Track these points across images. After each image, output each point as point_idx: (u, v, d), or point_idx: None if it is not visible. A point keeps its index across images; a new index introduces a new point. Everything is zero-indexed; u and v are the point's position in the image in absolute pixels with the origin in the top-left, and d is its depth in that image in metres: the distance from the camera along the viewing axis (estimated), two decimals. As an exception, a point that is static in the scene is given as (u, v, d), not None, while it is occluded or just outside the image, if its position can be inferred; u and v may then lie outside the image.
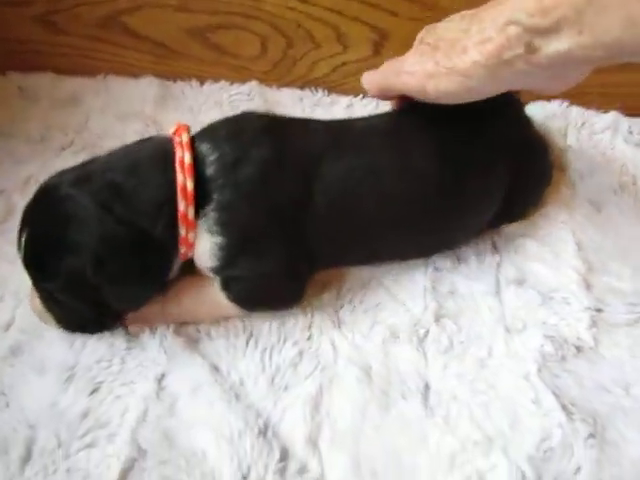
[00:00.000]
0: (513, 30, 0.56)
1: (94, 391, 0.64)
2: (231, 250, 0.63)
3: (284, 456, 0.59)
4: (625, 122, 0.91)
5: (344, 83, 0.97)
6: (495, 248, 0.77)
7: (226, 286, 0.66)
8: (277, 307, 0.69)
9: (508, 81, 0.60)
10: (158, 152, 0.64)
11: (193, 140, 0.65)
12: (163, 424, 0.62)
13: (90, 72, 1.02)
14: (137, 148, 0.66)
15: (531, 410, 0.61)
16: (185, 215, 0.62)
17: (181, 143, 0.64)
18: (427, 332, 0.68)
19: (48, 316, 0.66)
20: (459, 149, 0.68)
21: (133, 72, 1.01)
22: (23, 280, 0.73)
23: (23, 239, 0.62)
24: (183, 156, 0.62)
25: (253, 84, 0.99)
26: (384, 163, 0.67)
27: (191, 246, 0.64)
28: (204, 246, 0.64)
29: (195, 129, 0.90)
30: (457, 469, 0.58)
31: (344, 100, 0.98)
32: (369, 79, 0.72)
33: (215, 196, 0.62)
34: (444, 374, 0.65)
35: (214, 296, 0.67)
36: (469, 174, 0.68)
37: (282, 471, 0.58)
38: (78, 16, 0.97)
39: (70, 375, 0.66)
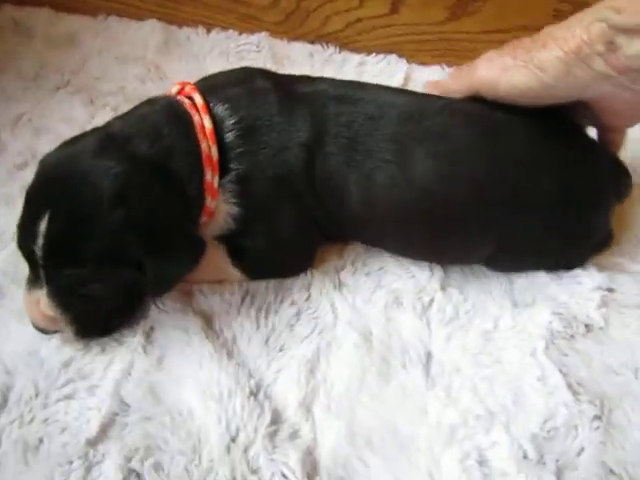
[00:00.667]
0: (597, 27, 0.56)
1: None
2: (247, 220, 0.61)
3: (275, 420, 0.56)
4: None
5: (357, 40, 0.93)
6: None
7: (237, 254, 0.63)
8: (284, 275, 0.66)
9: (583, 84, 0.59)
10: (175, 116, 0.59)
11: (207, 100, 0.61)
12: (149, 379, 0.59)
13: (90, 11, 0.98)
14: (151, 112, 0.60)
15: (536, 387, 0.58)
16: (211, 184, 0.59)
17: (196, 106, 0.60)
18: (432, 300, 0.65)
19: (61, 320, 0.58)
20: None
21: (136, 14, 0.97)
22: (7, 223, 0.70)
23: (43, 224, 0.55)
24: (202, 121, 0.59)
25: (262, 35, 0.95)
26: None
27: (212, 214, 0.61)
28: (220, 215, 0.61)
29: (199, 77, 0.86)
30: (456, 444, 0.55)
31: (356, 58, 0.94)
32: (435, 85, 0.69)
33: (233, 165, 0.59)
34: (448, 345, 0.62)
35: (217, 261, 0.64)
36: None
37: (272, 435, 0.55)
38: (80, -50, 0.92)
39: (52, 322, 0.63)
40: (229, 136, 0.59)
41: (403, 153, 0.60)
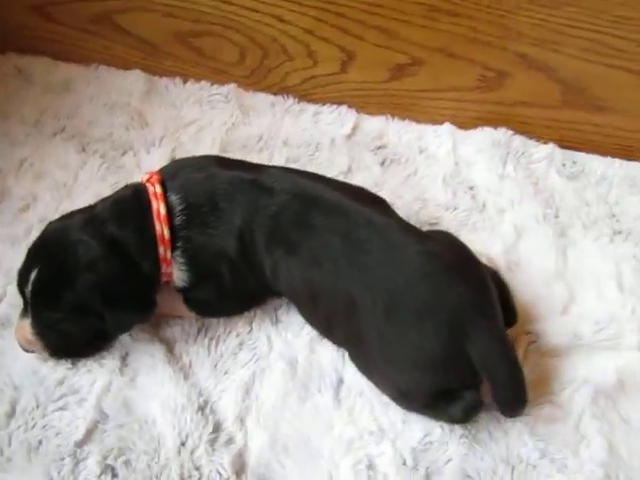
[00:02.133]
0: None
1: (70, 364, 0.82)
2: (195, 281, 0.81)
3: (216, 429, 0.77)
4: (560, 155, 1.05)
5: (313, 93, 1.11)
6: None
7: (187, 302, 0.84)
8: (227, 316, 0.87)
9: None
10: (139, 203, 0.79)
11: (165, 189, 0.80)
12: (123, 394, 0.80)
13: (83, 61, 1.16)
14: (123, 198, 0.81)
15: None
16: (165, 257, 0.79)
17: (155, 194, 0.79)
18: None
19: (37, 344, 0.79)
20: None
21: (123, 64, 1.15)
22: (15, 260, 0.91)
23: (33, 275, 0.77)
24: (159, 207, 0.78)
25: (231, 87, 1.13)
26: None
27: (170, 276, 0.81)
28: (176, 276, 0.81)
29: (176, 123, 1.06)
30: (352, 452, 0.75)
31: (312, 108, 1.12)
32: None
33: (180, 244, 0.79)
34: (357, 374, 0.81)
35: (177, 305, 0.85)
36: None
37: (213, 441, 0.76)
38: (73, 10, 1.10)
39: (50, 348, 0.84)
40: (178, 220, 0.78)
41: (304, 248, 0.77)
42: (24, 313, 0.80)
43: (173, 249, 0.79)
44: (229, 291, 0.83)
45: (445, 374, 0.72)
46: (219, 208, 0.78)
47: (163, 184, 0.80)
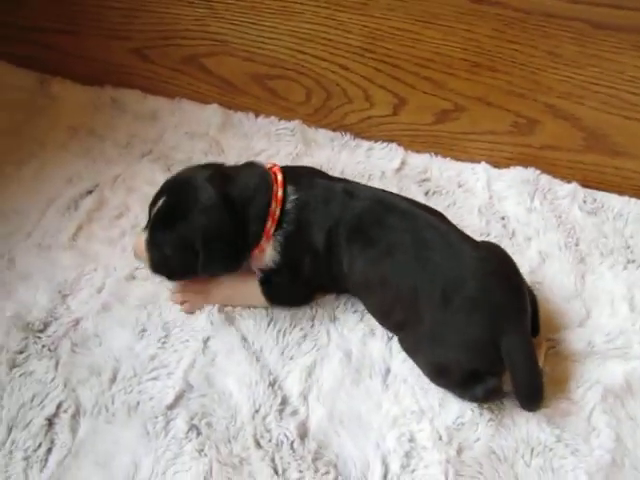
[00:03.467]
0: None
1: (161, 343, 1.02)
2: (280, 265, 1.02)
3: (284, 402, 0.96)
4: (582, 193, 1.25)
5: (367, 131, 1.33)
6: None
7: (266, 285, 1.04)
8: (292, 306, 1.07)
9: None
10: (263, 181, 1.00)
11: (285, 179, 1.01)
12: (205, 370, 0.99)
13: (169, 94, 1.40)
14: (251, 171, 1.03)
15: (456, 397, 0.97)
16: (269, 231, 1.00)
17: (277, 179, 1.00)
18: (394, 335, 1.04)
19: (145, 257, 1.01)
20: None
21: (203, 99, 1.39)
22: (111, 258, 1.12)
23: (160, 202, 0.99)
24: (277, 190, 1.00)
25: (296, 123, 1.36)
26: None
27: (262, 251, 1.01)
28: (267, 255, 1.02)
29: (248, 152, 1.29)
30: (397, 427, 0.94)
31: (366, 144, 1.34)
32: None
33: (285, 226, 1.00)
34: (402, 365, 1.00)
35: (250, 289, 1.04)
36: None
37: (281, 411, 0.95)
38: (166, 53, 1.35)
39: (141, 330, 1.04)
40: (289, 207, 0.99)
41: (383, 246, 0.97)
42: (144, 229, 1.02)
43: (276, 229, 0.99)
44: (304, 281, 1.03)
45: (479, 357, 0.91)
46: (317, 208, 0.99)
47: (284, 175, 1.01)
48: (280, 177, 1.01)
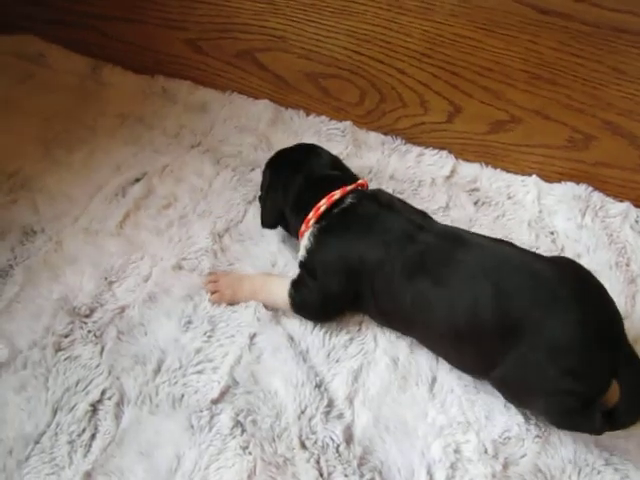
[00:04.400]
0: None
1: (206, 337, 1.01)
2: (309, 259, 1.03)
3: (330, 404, 0.95)
4: (634, 212, 1.22)
5: (419, 137, 1.32)
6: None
7: (294, 287, 1.03)
8: (310, 318, 1.04)
9: None
10: (331, 181, 1.06)
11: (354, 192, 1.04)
12: (251, 367, 0.98)
13: (220, 87, 1.40)
14: (330, 174, 1.09)
15: (502, 410, 0.95)
16: (308, 220, 1.03)
17: (344, 189, 1.03)
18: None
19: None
20: None
21: (254, 94, 1.38)
22: (158, 247, 1.11)
23: (269, 170, 1.13)
24: (334, 195, 1.02)
25: (347, 124, 1.35)
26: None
27: (302, 235, 1.04)
28: (303, 242, 1.04)
29: None
30: (442, 437, 0.92)
31: (416, 150, 1.33)
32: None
33: (323, 223, 1.01)
34: (448, 374, 0.99)
35: (278, 287, 1.04)
36: None
37: (327, 414, 0.93)
38: (220, 46, 1.34)
39: (187, 322, 1.04)
40: (335, 209, 1.02)
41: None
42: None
43: (317, 222, 1.03)
44: (329, 296, 1.01)
45: (597, 386, 0.87)
46: (365, 224, 1.00)
47: (357, 191, 1.04)
48: (349, 188, 1.04)
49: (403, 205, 1.05)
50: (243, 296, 1.06)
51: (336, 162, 1.13)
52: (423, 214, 1.05)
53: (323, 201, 1.02)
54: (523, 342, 0.87)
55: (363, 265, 0.98)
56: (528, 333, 0.86)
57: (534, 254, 0.97)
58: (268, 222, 1.12)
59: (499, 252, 0.94)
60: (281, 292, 1.04)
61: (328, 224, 1.02)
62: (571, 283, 0.89)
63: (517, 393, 0.93)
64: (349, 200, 1.02)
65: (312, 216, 1.03)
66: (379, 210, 1.01)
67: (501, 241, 1.00)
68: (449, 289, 0.92)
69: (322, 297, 1.02)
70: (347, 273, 0.99)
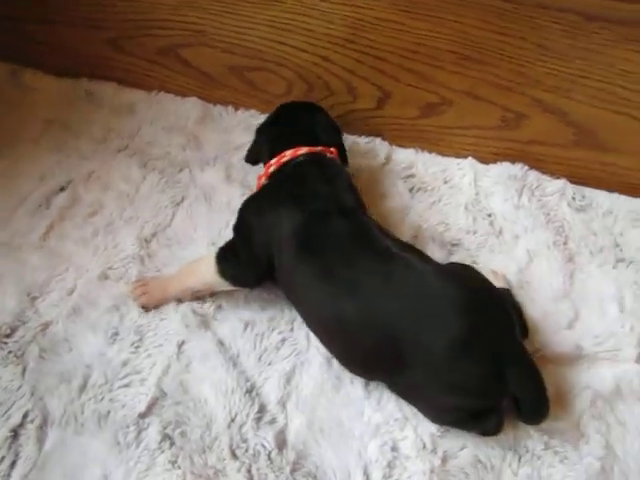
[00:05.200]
0: None
1: (134, 348, 0.97)
2: (240, 217, 1.01)
3: (261, 410, 0.91)
4: (570, 189, 1.20)
5: (352, 125, 1.27)
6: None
7: (219, 253, 0.98)
8: (239, 284, 0.99)
9: None
10: (299, 141, 1.05)
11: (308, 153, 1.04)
12: (180, 377, 0.94)
13: (146, 86, 1.34)
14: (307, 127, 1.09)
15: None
16: (260, 178, 1.06)
17: (297, 150, 1.03)
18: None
19: None
20: None
21: (182, 92, 1.33)
22: (84, 258, 1.06)
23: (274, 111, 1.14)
24: (285, 155, 1.03)
25: (278, 116, 1.29)
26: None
27: (259, 181, 1.07)
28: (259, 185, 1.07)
29: (227, 146, 1.24)
30: (379, 436, 0.89)
31: (350, 138, 1.28)
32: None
33: (265, 181, 1.05)
34: (384, 369, 0.96)
35: (203, 265, 0.99)
36: None
37: (258, 420, 0.90)
38: (142, 43, 1.28)
39: (114, 334, 0.99)
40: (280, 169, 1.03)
41: None
42: None
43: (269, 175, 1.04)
44: (253, 256, 0.96)
45: (485, 396, 0.84)
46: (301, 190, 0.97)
47: (310, 154, 1.02)
48: (304, 150, 1.02)
49: (346, 187, 1.00)
50: (173, 290, 1.02)
51: (328, 127, 1.10)
52: (360, 205, 1.00)
53: (274, 160, 1.02)
54: (403, 360, 0.83)
55: (275, 230, 0.94)
56: (407, 352, 0.83)
57: (431, 266, 0.92)
58: (247, 159, 1.14)
59: (397, 263, 0.88)
60: (207, 266, 0.99)
61: (267, 184, 1.01)
62: (454, 296, 0.84)
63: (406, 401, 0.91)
64: (293, 162, 0.99)
65: (263, 174, 1.04)
66: (315, 179, 0.97)
67: (410, 248, 0.96)
68: (334, 289, 0.88)
69: (244, 261, 0.97)
70: (262, 237, 0.95)
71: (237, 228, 1.00)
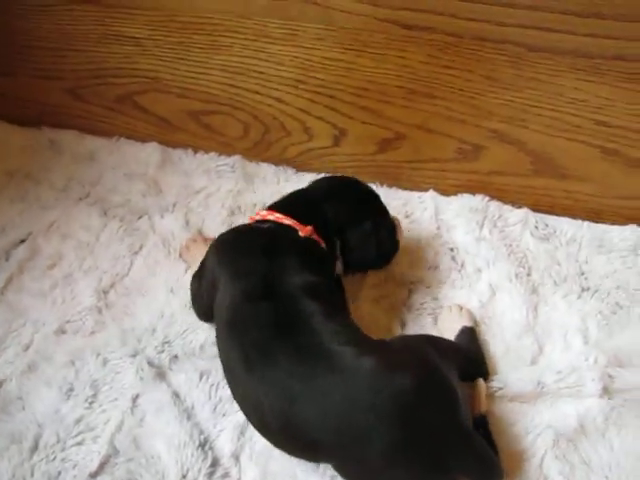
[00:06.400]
0: None
1: (88, 403, 0.95)
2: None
3: (214, 464, 0.89)
4: (533, 218, 1.18)
5: (310, 164, 1.27)
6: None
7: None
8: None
9: None
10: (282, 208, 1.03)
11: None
12: (133, 432, 0.93)
13: (106, 133, 1.34)
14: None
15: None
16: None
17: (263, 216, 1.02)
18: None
19: None
20: None
21: (141, 138, 1.33)
22: (42, 312, 1.06)
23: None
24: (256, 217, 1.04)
25: (236, 158, 1.30)
26: None
27: None
28: None
29: (187, 190, 1.23)
30: (335, 489, 0.87)
31: (309, 177, 1.26)
32: None
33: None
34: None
35: None
36: None
37: (210, 475, 0.88)
38: (98, 92, 1.30)
39: (68, 389, 0.97)
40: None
41: None
42: None
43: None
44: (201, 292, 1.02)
45: None
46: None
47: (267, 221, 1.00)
48: (273, 217, 1.00)
49: (294, 267, 0.92)
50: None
51: (338, 197, 1.04)
52: (312, 288, 0.91)
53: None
54: (336, 461, 0.82)
55: (217, 285, 0.94)
56: (337, 457, 0.81)
57: (370, 360, 0.80)
58: None
59: (323, 363, 0.81)
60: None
61: (225, 237, 1.00)
62: (384, 407, 0.76)
63: None
64: (254, 224, 1.00)
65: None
66: (257, 253, 0.94)
67: (355, 337, 0.87)
68: (252, 384, 0.84)
69: (193, 291, 1.04)
70: (209, 282, 0.97)
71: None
